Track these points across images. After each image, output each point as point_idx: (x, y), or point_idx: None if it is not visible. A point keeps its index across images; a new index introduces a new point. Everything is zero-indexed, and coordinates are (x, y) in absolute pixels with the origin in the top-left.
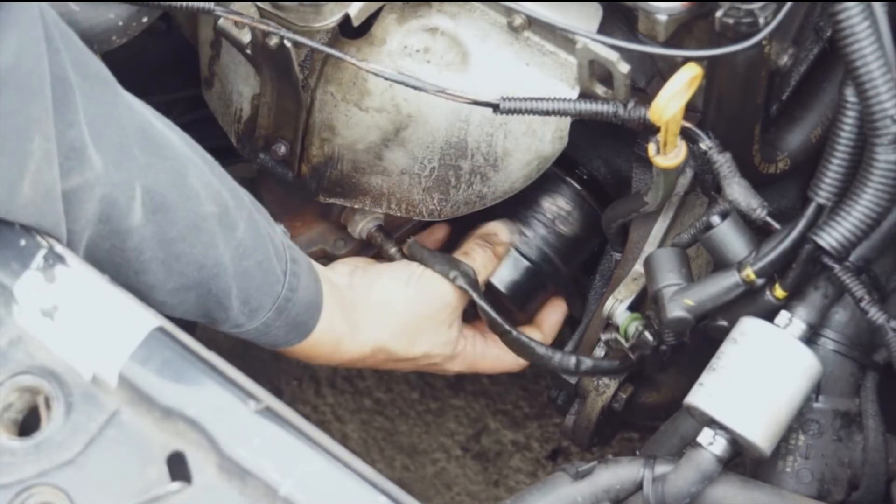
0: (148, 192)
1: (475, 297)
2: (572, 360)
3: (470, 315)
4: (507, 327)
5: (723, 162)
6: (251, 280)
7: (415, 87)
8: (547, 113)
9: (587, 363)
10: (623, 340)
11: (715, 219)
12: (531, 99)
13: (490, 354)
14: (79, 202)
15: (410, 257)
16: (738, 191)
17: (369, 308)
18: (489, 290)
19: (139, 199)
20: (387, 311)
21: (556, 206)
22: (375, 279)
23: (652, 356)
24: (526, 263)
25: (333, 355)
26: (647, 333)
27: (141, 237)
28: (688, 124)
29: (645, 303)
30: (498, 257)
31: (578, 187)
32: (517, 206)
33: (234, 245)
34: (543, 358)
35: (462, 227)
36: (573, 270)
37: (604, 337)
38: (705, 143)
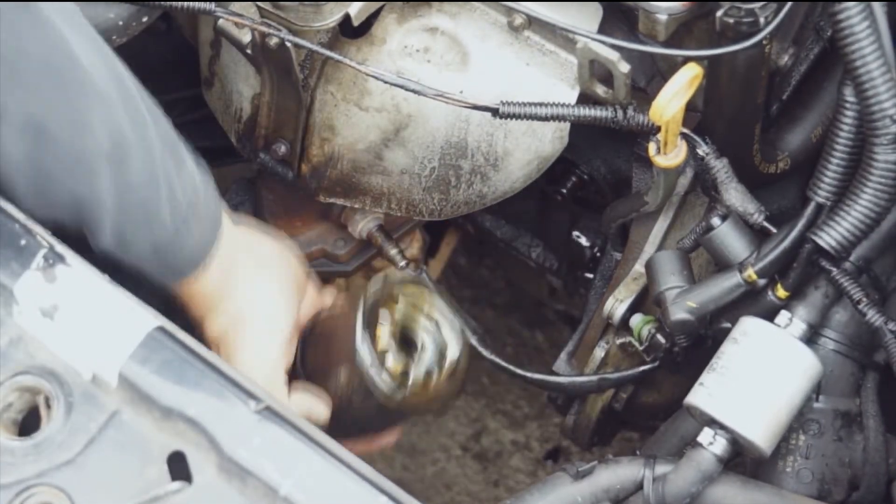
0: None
1: (484, 352)
2: (594, 379)
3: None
4: (520, 372)
5: (720, 167)
6: (128, 216)
7: (414, 91)
8: (546, 118)
9: (610, 380)
10: (637, 343)
11: (715, 220)
12: (530, 104)
13: None
14: None
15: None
16: (734, 196)
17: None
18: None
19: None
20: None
21: None
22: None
23: (665, 358)
24: None
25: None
26: (659, 336)
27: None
28: (685, 130)
29: (646, 303)
30: None
31: None
32: None
33: (121, 182)
34: (568, 388)
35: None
36: None
37: (618, 341)
38: (702, 149)
